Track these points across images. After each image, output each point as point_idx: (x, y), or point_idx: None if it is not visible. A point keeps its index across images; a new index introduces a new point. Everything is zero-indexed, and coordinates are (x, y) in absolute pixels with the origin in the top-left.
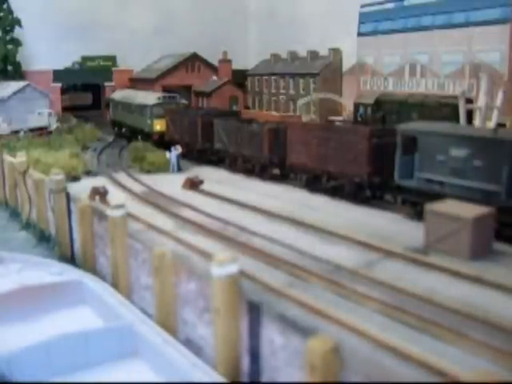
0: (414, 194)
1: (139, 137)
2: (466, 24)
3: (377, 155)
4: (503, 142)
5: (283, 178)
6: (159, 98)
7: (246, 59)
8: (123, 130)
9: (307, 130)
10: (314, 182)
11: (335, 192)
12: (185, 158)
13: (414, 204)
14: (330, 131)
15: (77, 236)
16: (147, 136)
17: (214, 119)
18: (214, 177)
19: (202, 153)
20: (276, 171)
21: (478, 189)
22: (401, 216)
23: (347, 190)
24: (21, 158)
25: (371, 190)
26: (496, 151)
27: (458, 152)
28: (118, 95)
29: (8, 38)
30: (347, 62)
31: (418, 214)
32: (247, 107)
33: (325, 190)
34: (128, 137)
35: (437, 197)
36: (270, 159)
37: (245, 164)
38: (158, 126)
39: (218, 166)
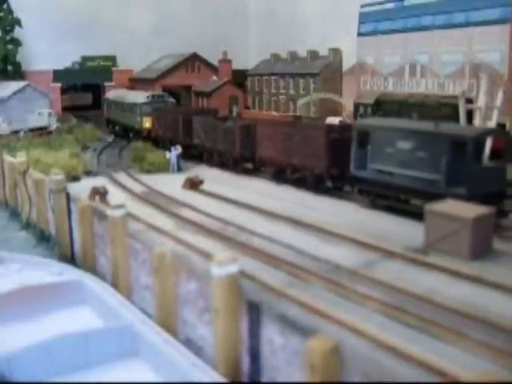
0: (367, 183)
1: (131, 134)
2: (466, 24)
3: (334, 149)
4: (442, 136)
5: (254, 171)
6: (148, 97)
7: (246, 59)
8: (116, 127)
9: (273, 126)
10: (280, 174)
11: (299, 183)
12: None
13: (368, 193)
14: (293, 127)
15: (77, 236)
16: (137, 133)
17: (192, 117)
18: (214, 177)
19: (183, 148)
20: (248, 165)
21: (422, 178)
22: (359, 205)
23: (309, 181)
24: (21, 158)
25: (332, 181)
26: (436, 144)
27: (404, 145)
28: (112, 95)
29: (8, 37)
30: (347, 62)
31: (372, 203)
32: (247, 107)
33: (290, 181)
34: (121, 134)
35: (387, 186)
36: (242, 154)
37: (220, 158)
38: (147, 123)
39: (217, 166)
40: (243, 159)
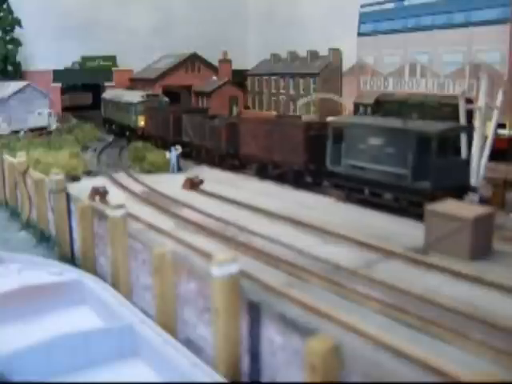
0: (342, 178)
1: (127, 132)
2: (466, 24)
3: (312, 145)
4: (409, 132)
5: (240, 167)
6: (143, 97)
7: (246, 59)
8: (113, 126)
9: (255, 124)
10: (263, 171)
11: (280, 178)
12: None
13: (342, 187)
14: (273, 125)
15: (77, 236)
16: (133, 131)
17: (182, 115)
18: (214, 177)
19: (173, 145)
20: (235, 161)
21: (391, 172)
22: (333, 199)
23: (289, 176)
24: (21, 157)
25: (311, 176)
26: (404, 140)
27: (375, 141)
28: (109, 95)
29: (8, 38)
30: (347, 62)
31: (346, 197)
32: (247, 107)
33: (271, 176)
34: (117, 133)
35: (360, 181)
36: (228, 150)
37: (207, 155)
38: (142, 121)
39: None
40: (229, 156)
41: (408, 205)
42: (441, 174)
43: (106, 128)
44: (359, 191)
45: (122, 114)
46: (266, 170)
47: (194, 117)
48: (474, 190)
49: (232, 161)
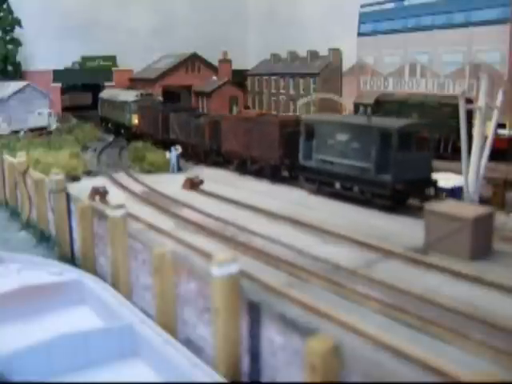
0: (313, 172)
1: (122, 130)
2: (466, 24)
3: (286, 141)
4: (372, 128)
5: (224, 163)
6: (137, 96)
7: (246, 59)
8: (109, 125)
9: (236, 122)
10: (243, 166)
11: (258, 173)
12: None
13: (314, 181)
14: (252, 122)
15: (77, 236)
16: (127, 129)
17: (169, 114)
18: (214, 177)
19: (162, 142)
20: (219, 158)
21: (356, 166)
22: (305, 192)
23: (266, 171)
24: (21, 157)
25: (287, 170)
26: (367, 135)
27: (342, 137)
28: (105, 94)
29: (8, 38)
30: (347, 62)
31: (317, 190)
32: (247, 107)
33: (250, 172)
34: (113, 131)
35: (329, 174)
36: (211, 147)
37: (193, 151)
38: (136, 120)
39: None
40: (212, 152)
41: (372, 197)
42: (401, 168)
43: (103, 126)
44: (329, 184)
45: (117, 112)
46: (246, 166)
47: (180, 115)
48: (435, 184)
49: (216, 157)
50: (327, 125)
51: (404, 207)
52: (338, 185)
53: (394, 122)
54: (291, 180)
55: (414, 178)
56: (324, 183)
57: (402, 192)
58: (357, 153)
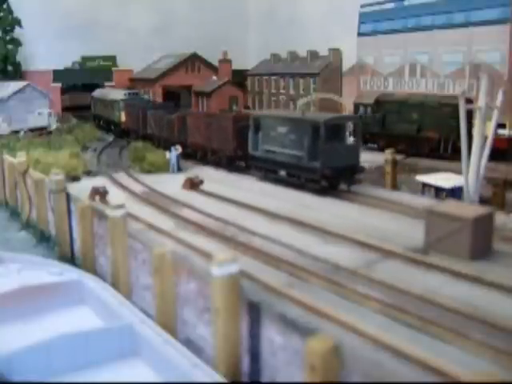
0: (260, 161)
1: (112, 127)
2: (466, 24)
3: (239, 135)
4: (305, 121)
5: (191, 154)
6: (125, 94)
7: (246, 59)
8: (101, 122)
9: (199, 117)
10: (205, 157)
11: (217, 164)
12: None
13: (261, 169)
14: (211, 118)
15: (77, 236)
16: (116, 126)
17: (147, 111)
18: (214, 177)
19: (143, 137)
20: (186, 149)
21: (293, 155)
22: (254, 178)
23: (223, 161)
24: (21, 157)
25: (240, 160)
26: (301, 128)
27: (282, 129)
28: (97, 93)
29: (8, 38)
30: (347, 62)
31: (264, 177)
32: (247, 107)
33: (210, 162)
34: (104, 127)
35: (272, 162)
36: (179, 139)
37: (165, 144)
38: (124, 117)
39: (217, 166)
40: (180, 144)
41: (306, 181)
42: (328, 156)
43: (96, 124)
44: (273, 171)
45: (107, 110)
46: (206, 157)
47: (156, 112)
48: (362, 170)
49: (183, 149)
50: (270, 119)
51: (336, 191)
52: (282, 172)
53: (322, 116)
54: (246, 169)
55: (341, 165)
56: (269, 170)
57: (331, 177)
58: (293, 143)
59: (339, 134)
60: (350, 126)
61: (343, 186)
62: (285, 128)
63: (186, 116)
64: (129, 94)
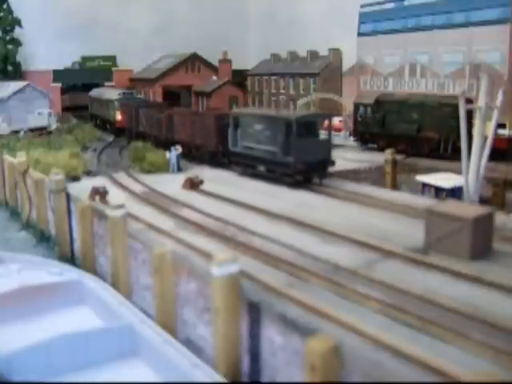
0: (239, 156)
1: (107, 125)
2: (466, 24)
3: (221, 132)
4: (279, 119)
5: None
6: (120, 94)
7: (246, 59)
8: (97, 121)
9: (184, 115)
10: (189, 153)
11: (201, 159)
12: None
13: (240, 164)
14: (195, 116)
15: (77, 236)
16: (112, 124)
17: (139, 109)
18: (214, 177)
19: (136, 135)
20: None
21: (268, 150)
22: (236, 173)
23: (206, 157)
24: (21, 157)
25: (222, 156)
26: (276, 125)
27: (258, 126)
28: (94, 93)
29: (8, 38)
30: (347, 62)
31: (243, 172)
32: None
33: (194, 158)
34: (101, 126)
35: (250, 158)
36: (167, 137)
37: (155, 141)
38: (119, 116)
39: (217, 166)
40: (168, 141)
41: (281, 175)
42: (301, 151)
43: (93, 123)
44: (252, 167)
45: (103, 109)
46: (191, 152)
47: (147, 111)
48: (333, 164)
49: (171, 145)
50: (248, 117)
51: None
52: (260, 167)
53: (295, 114)
54: (228, 165)
55: (313, 160)
56: (248, 166)
57: (303, 171)
58: (269, 139)
59: (311, 131)
60: (323, 122)
61: (316, 180)
62: (261, 125)
63: (173, 114)
64: (123, 93)
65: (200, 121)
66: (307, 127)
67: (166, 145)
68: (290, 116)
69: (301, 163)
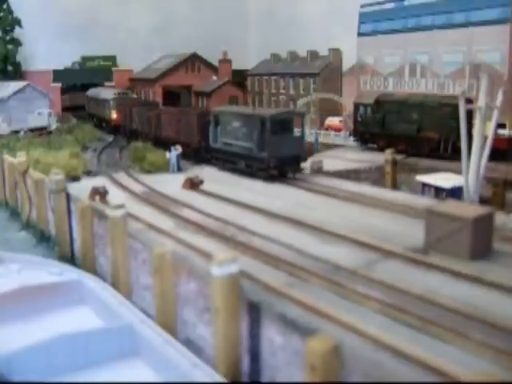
0: (219, 152)
1: (103, 124)
2: (466, 24)
3: (203, 129)
4: (254, 116)
5: (165, 146)
6: (115, 94)
7: (246, 59)
8: (94, 119)
9: (170, 113)
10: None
11: (184, 156)
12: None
13: (220, 160)
14: (180, 114)
15: (77, 236)
16: (107, 123)
17: (132, 108)
18: (214, 176)
19: (130, 132)
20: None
21: (245, 146)
22: (216, 168)
23: (190, 153)
24: (21, 157)
25: (204, 152)
26: (251, 122)
27: (236, 124)
28: (91, 93)
29: (8, 38)
30: (347, 62)
31: (223, 167)
32: None
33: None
34: (97, 125)
35: (229, 154)
36: (155, 134)
37: (146, 137)
38: (115, 115)
39: (216, 166)
40: (156, 138)
41: (256, 170)
42: (274, 147)
43: (90, 121)
44: (231, 162)
45: (99, 108)
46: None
47: (139, 109)
48: (305, 159)
49: (158, 142)
50: (227, 114)
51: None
52: (239, 162)
53: (269, 112)
54: (211, 160)
55: (287, 155)
56: (227, 161)
57: (277, 166)
58: (245, 136)
59: (285, 128)
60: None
61: (290, 175)
62: (238, 122)
63: (161, 113)
64: (119, 93)
65: (184, 119)
66: (281, 125)
67: (156, 142)
68: (264, 114)
69: (274, 158)
